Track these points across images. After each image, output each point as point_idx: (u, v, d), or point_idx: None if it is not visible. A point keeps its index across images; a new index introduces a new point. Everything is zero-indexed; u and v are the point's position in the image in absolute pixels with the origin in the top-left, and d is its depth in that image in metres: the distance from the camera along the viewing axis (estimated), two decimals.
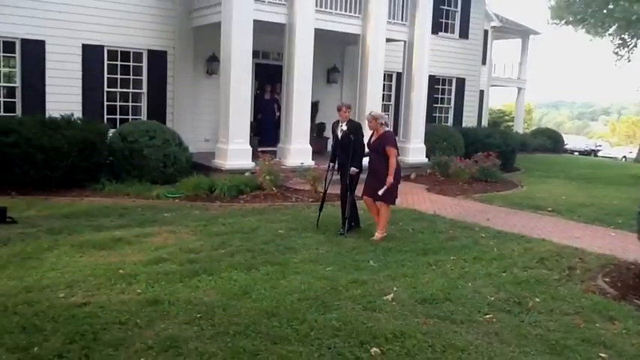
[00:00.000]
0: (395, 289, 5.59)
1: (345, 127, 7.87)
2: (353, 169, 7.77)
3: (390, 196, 7.59)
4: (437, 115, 18.20)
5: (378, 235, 7.60)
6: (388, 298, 5.34)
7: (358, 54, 13.58)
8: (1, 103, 11.65)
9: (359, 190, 7.96)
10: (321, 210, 8.16)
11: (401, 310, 5.05)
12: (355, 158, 7.77)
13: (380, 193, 7.36)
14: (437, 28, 16.53)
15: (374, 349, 4.21)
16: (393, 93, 16.87)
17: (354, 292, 5.43)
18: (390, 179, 7.34)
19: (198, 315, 4.66)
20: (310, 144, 12.52)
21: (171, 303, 4.89)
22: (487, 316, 5.02)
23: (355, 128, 7.87)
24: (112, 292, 5.14)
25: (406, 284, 5.77)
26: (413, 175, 13.85)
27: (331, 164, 8.11)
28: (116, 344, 4.06)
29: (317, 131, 14.90)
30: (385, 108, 15.88)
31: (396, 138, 8.43)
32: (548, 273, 6.39)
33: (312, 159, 12.24)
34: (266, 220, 8.38)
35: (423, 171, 14.20)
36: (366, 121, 7.73)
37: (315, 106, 13.80)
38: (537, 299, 5.50)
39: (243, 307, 4.90)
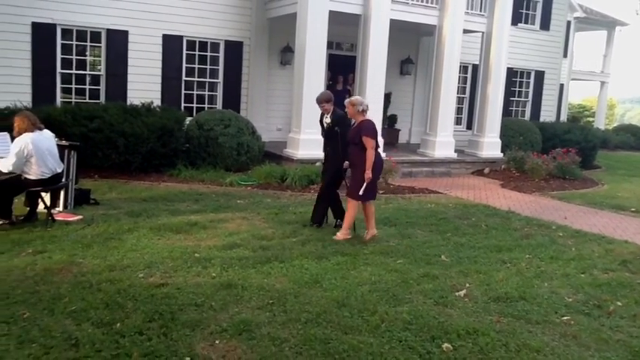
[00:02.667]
0: (467, 285, 5.48)
1: (328, 120, 7.27)
2: (346, 163, 7.05)
3: (369, 194, 6.77)
4: (513, 108, 17.63)
5: (339, 234, 6.87)
6: (460, 294, 5.24)
7: (433, 45, 13.34)
8: (87, 90, 12.23)
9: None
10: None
11: (474, 307, 4.95)
12: (344, 150, 7.02)
13: (360, 192, 6.61)
14: (516, 18, 15.99)
15: (445, 344, 4.15)
16: (468, 85, 16.47)
17: (425, 287, 5.36)
18: (368, 174, 6.55)
19: (271, 301, 4.73)
20: (382, 135, 12.40)
21: (245, 288, 4.99)
22: (564, 317, 4.83)
23: (340, 119, 7.11)
24: (188, 274, 5.30)
25: (479, 281, 5.64)
26: (487, 170, 13.52)
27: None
28: (192, 325, 4.19)
29: (389, 123, 14.78)
30: (459, 101, 15.55)
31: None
32: (631, 276, 6.07)
33: (384, 151, 12.12)
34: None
35: (497, 166, 13.82)
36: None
37: (387, 98, 13.67)
38: (619, 303, 5.24)
39: (314, 295, 4.94)
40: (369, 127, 6.66)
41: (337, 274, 5.55)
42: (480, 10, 13.71)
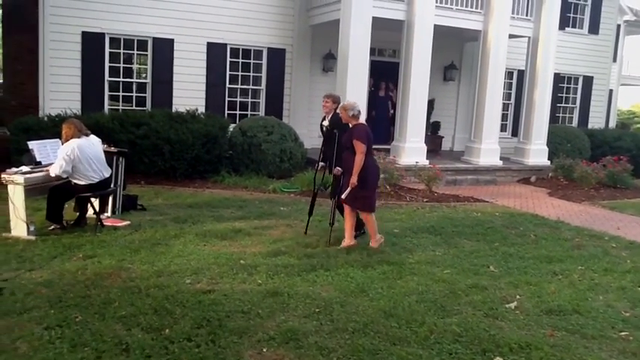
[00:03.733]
0: (518, 297, 5.33)
1: (326, 122, 7.05)
2: (337, 169, 6.75)
3: (357, 202, 6.51)
4: (560, 115, 17.18)
5: (372, 244, 6.68)
6: (511, 306, 5.10)
7: (478, 51, 13.12)
8: (134, 97, 12.48)
9: None
10: (310, 214, 7.28)
11: (525, 320, 4.80)
12: (337, 155, 6.73)
13: (343, 196, 6.43)
14: (564, 23, 15.61)
15: (497, 358, 4.03)
16: (513, 91, 16.13)
17: (474, 298, 5.24)
18: (353, 179, 6.29)
19: (317, 310, 4.69)
20: (425, 142, 12.28)
21: (291, 296, 4.96)
22: (622, 333, 4.64)
23: (338, 122, 6.76)
24: (234, 281, 5.31)
25: (530, 293, 5.48)
26: (533, 178, 13.20)
27: (321, 163, 7.16)
28: (240, 332, 4.18)
29: (432, 130, 14.60)
30: (504, 107, 15.24)
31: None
32: None
33: (427, 158, 12.01)
34: (380, 219, 8.20)
35: (544, 174, 13.48)
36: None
37: (430, 104, 13.53)
38: None
39: (361, 304, 4.88)
40: (360, 131, 6.39)
41: (383, 283, 5.48)
42: (527, 15, 13.44)
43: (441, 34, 12.37)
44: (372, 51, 13.10)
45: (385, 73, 14.15)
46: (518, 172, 13.43)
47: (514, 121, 15.78)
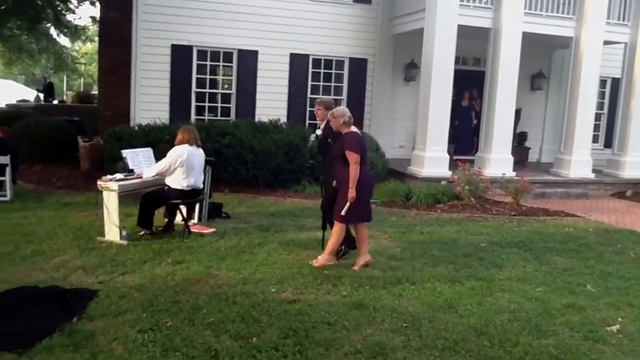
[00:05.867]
0: (620, 319, 4.97)
1: (320, 131, 6.58)
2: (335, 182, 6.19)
3: (356, 215, 5.98)
4: None
5: (320, 259, 6.06)
6: (612, 329, 4.75)
7: (569, 58, 12.55)
8: (219, 108, 12.82)
9: None
10: (324, 228, 6.66)
11: (630, 345, 4.46)
12: (329, 167, 6.26)
13: (342, 212, 5.84)
14: None
15: None
16: (606, 100, 15.30)
17: (570, 318, 4.93)
18: (351, 192, 5.76)
19: (404, 324, 4.56)
20: (511, 154, 11.85)
21: (377, 309, 4.86)
22: None
23: (332, 131, 6.18)
24: (318, 291, 5.27)
25: (633, 315, 5.10)
26: (629, 192, 12.39)
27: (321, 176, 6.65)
28: (326, 344, 4.12)
29: (518, 140, 14.08)
30: (597, 117, 14.42)
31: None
32: None
33: (513, 170, 11.57)
34: (465, 232, 8.05)
35: None
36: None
37: (517, 114, 13.01)
38: None
39: (450, 321, 4.70)
40: (352, 140, 5.86)
41: (472, 299, 5.26)
42: (623, 20, 12.71)
43: (529, 41, 11.92)
44: (455, 59, 12.80)
45: (468, 82, 13.79)
46: (612, 185, 12.67)
47: (607, 131, 14.98)
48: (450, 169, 11.27)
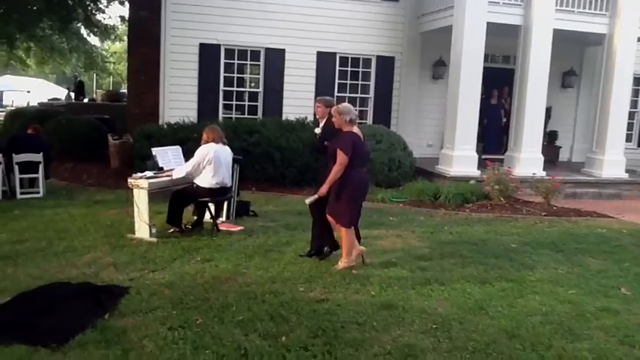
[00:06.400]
0: None
1: (318, 130, 6.37)
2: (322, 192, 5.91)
3: (340, 215, 5.81)
4: None
5: (340, 264, 5.90)
6: None
7: (601, 56, 12.30)
8: (246, 106, 12.87)
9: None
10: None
11: None
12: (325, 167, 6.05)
13: (307, 200, 5.89)
14: None
15: None
16: None
17: (605, 322, 4.81)
18: (323, 188, 5.69)
19: (434, 326, 4.51)
20: (542, 153, 11.65)
21: (406, 310, 4.82)
22: None
23: (331, 130, 5.99)
24: (347, 291, 5.24)
25: None
26: None
27: None
28: (356, 345, 4.10)
29: (548, 139, 13.84)
30: (630, 115, 14.11)
31: None
32: None
33: (543, 169, 11.38)
34: (495, 232, 7.95)
35: None
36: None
37: (547, 113, 12.82)
38: None
39: (480, 323, 4.63)
40: (347, 140, 5.68)
41: (503, 301, 5.18)
42: None
43: (560, 38, 11.70)
44: (484, 57, 12.64)
45: (496, 80, 13.60)
46: None
47: None
48: (478, 169, 11.14)
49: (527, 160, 11.30)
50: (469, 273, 5.94)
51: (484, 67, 11.41)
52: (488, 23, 11.01)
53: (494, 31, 11.29)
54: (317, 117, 6.52)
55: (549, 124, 13.84)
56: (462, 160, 11.06)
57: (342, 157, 5.62)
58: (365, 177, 5.98)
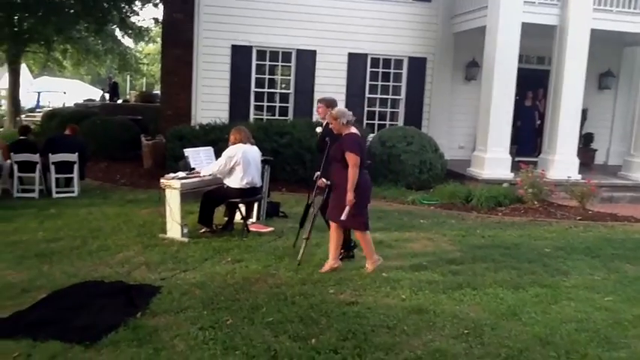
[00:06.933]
0: None
1: (320, 129, 6.39)
2: (322, 181, 6.08)
3: (354, 220, 5.74)
4: None
5: (368, 266, 5.88)
6: None
7: None
8: (277, 107, 12.92)
9: None
10: (301, 226, 6.55)
11: None
12: (324, 166, 6.08)
13: (343, 217, 5.61)
14: None
15: None
16: None
17: None
18: (349, 196, 5.54)
19: (466, 331, 4.45)
20: (577, 156, 11.41)
21: (437, 314, 4.76)
22: None
23: (331, 129, 5.91)
24: (377, 294, 5.21)
25: None
26: None
27: (317, 173, 6.32)
28: (386, 348, 4.07)
29: (584, 142, 13.55)
30: None
31: None
32: None
33: (579, 172, 11.14)
34: (528, 237, 7.80)
35: None
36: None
37: (583, 114, 12.51)
38: None
39: (513, 329, 4.55)
40: (352, 142, 5.64)
41: (537, 307, 5.08)
42: None
43: (597, 38, 11.44)
44: (518, 58, 12.45)
45: (531, 82, 13.38)
46: None
47: None
48: (511, 171, 10.96)
49: (561, 162, 11.07)
50: (502, 278, 5.84)
51: (518, 68, 11.23)
52: (523, 23, 10.84)
53: (529, 31, 11.11)
54: (319, 116, 6.69)
55: (585, 127, 13.52)
56: (494, 162, 10.90)
57: (354, 159, 5.57)
58: (369, 179, 5.94)
